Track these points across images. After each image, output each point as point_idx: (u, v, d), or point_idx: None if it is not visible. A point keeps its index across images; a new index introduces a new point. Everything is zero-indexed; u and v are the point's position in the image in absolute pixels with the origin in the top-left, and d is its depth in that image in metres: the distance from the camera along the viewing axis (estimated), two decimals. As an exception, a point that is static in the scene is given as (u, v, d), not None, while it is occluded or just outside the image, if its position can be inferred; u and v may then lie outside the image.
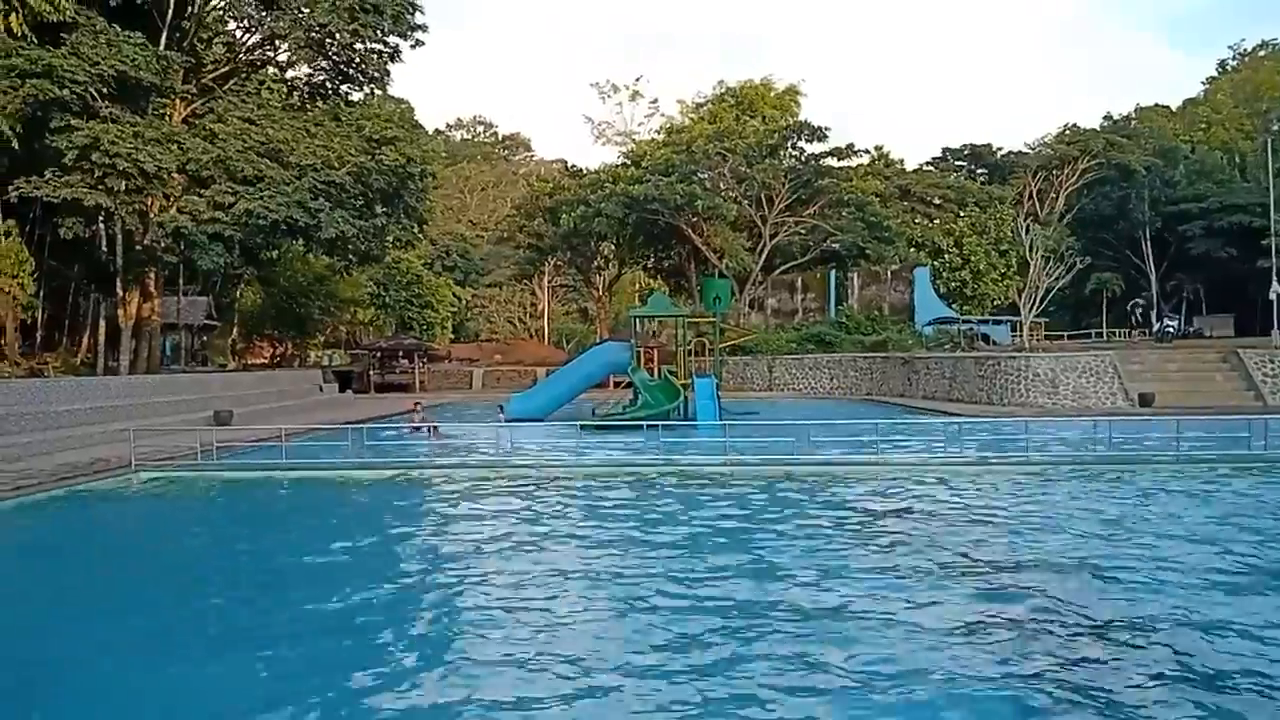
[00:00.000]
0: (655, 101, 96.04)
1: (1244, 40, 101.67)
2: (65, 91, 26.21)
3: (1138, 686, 6.68)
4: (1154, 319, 56.33)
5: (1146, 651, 7.42)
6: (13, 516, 13.96)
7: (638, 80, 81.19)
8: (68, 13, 26.88)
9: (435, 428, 24.78)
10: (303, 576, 10.53)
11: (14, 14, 26.71)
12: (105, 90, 27.39)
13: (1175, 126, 76.64)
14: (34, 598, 10.03)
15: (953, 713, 6.28)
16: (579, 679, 6.94)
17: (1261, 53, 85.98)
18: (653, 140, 66.29)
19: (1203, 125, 77.99)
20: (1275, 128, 58.06)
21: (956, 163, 79.41)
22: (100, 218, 29.94)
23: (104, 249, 31.93)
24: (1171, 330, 48.93)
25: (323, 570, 10.91)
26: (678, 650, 7.53)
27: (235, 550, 12.20)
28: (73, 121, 26.74)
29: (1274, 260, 40.64)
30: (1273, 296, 38.57)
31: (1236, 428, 19.57)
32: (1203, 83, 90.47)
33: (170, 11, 31.25)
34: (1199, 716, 6.20)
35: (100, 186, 27.14)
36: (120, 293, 31.98)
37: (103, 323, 33.64)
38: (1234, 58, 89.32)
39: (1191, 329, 54.51)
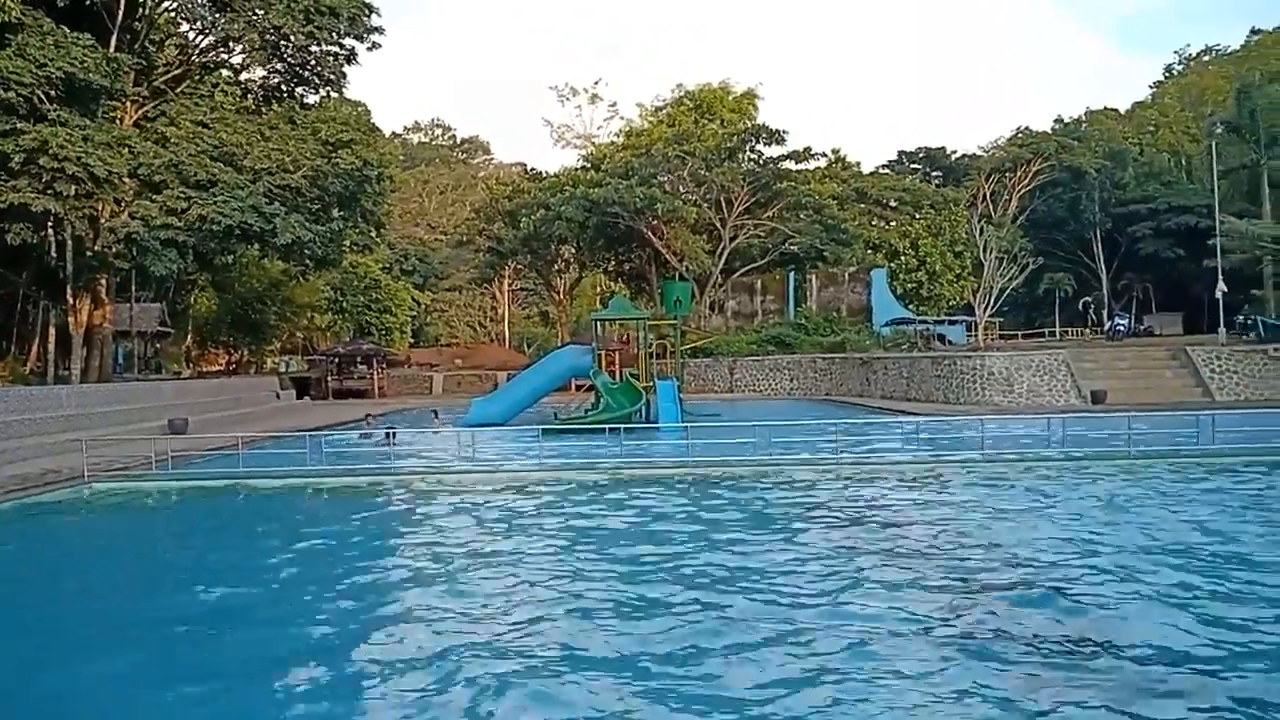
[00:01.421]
0: (614, 105, 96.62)
1: (1189, 45, 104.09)
2: (11, 94, 25.65)
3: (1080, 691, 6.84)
4: (1105, 318, 57.46)
5: (1096, 650, 7.60)
6: (-39, 530, 13.65)
7: (597, 83, 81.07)
8: (13, 13, 26.26)
9: (390, 431, 24.60)
10: (257, 588, 10.41)
11: (-42, 16, 26.09)
12: (53, 93, 26.83)
13: (1124, 129, 78.28)
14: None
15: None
16: (540, 689, 6.97)
17: (1206, 58, 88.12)
18: (612, 143, 66.40)
19: (1150, 128, 79.74)
20: (1219, 130, 59.42)
21: (912, 165, 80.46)
22: (49, 223, 29.31)
23: (53, 255, 31.28)
24: (1122, 329, 49.95)
25: (278, 581, 10.80)
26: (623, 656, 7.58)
27: (187, 564, 12.00)
28: (19, 125, 26.17)
29: (1219, 260, 41.66)
30: (1219, 295, 39.53)
31: (1185, 424, 20.05)
32: (1150, 86, 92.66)
33: (121, 12, 30.70)
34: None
35: (49, 191, 26.58)
36: (70, 300, 31.36)
37: (53, 330, 32.98)
38: (1180, 62, 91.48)
39: (1141, 327, 55.70)
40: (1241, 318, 40.99)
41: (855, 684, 6.81)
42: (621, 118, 73.83)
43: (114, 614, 9.53)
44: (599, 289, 77.54)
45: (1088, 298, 63.80)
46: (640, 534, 12.50)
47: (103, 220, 30.29)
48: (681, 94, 66.75)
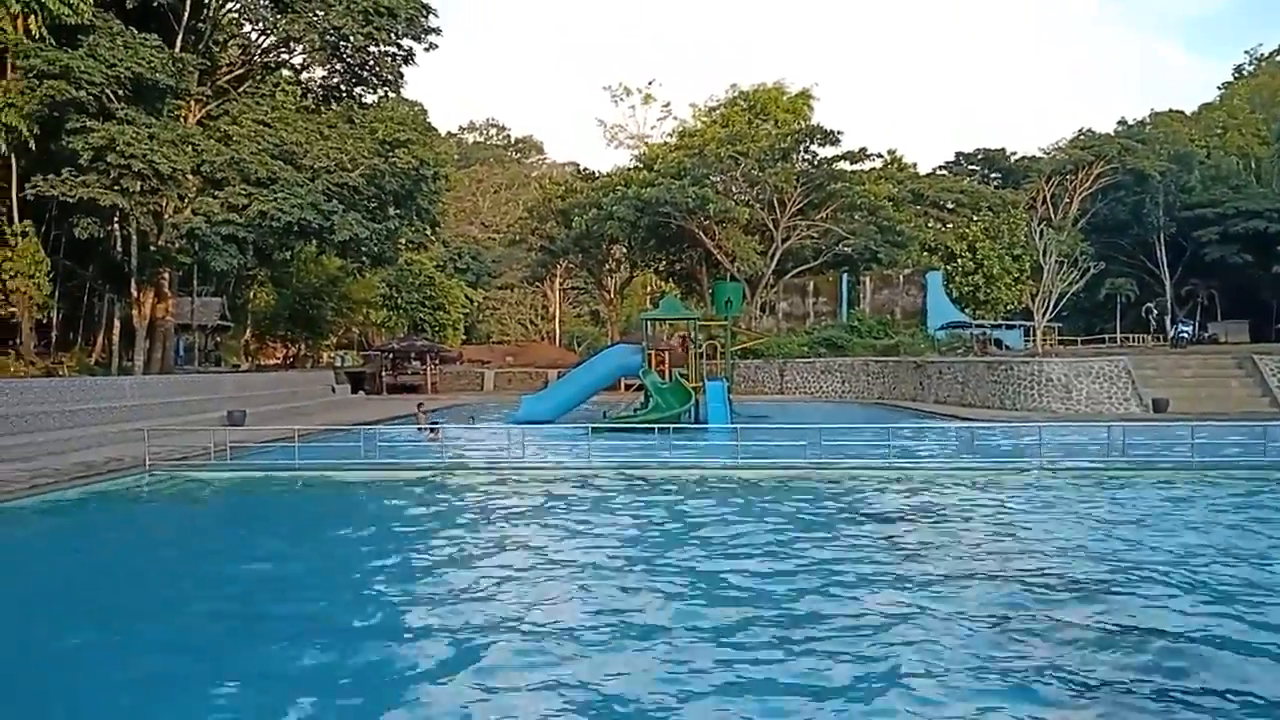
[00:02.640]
0: (668, 105, 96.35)
1: (1261, 45, 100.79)
2: (82, 93, 26.35)
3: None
4: (1168, 324, 56.01)
5: (1152, 656, 7.38)
6: (27, 515, 14.05)
7: (650, 83, 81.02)
8: (85, 15, 27.02)
9: (435, 426, 24.79)
10: (310, 580, 10.55)
11: (33, 16, 26.88)
12: (121, 92, 27.53)
13: (1190, 132, 76.22)
14: (41, 597, 10.06)
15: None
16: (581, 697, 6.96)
17: (1279, 58, 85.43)
18: (665, 143, 66.34)
19: (1218, 130, 77.53)
20: (1291, 133, 57.67)
21: (970, 167, 79.19)
22: (115, 218, 30.10)
23: (119, 249, 32.07)
24: (1186, 336, 48.56)
25: (328, 572, 10.94)
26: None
27: (245, 552, 12.21)
28: (89, 123, 26.87)
29: (1290, 266, 40.33)
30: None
31: (1252, 434, 19.43)
32: (1219, 88, 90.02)
33: (186, 14, 31.41)
34: None
35: (116, 187, 27.28)
36: (135, 293, 32.14)
37: (117, 323, 33.79)
38: (1250, 63, 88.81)
39: (1206, 335, 54.17)
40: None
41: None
42: (675, 118, 73.99)
43: (165, 599, 9.73)
44: (650, 289, 77.55)
45: (1150, 304, 62.23)
46: (682, 532, 12.45)
47: (166, 216, 31.00)
48: (735, 94, 66.49)
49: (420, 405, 30.02)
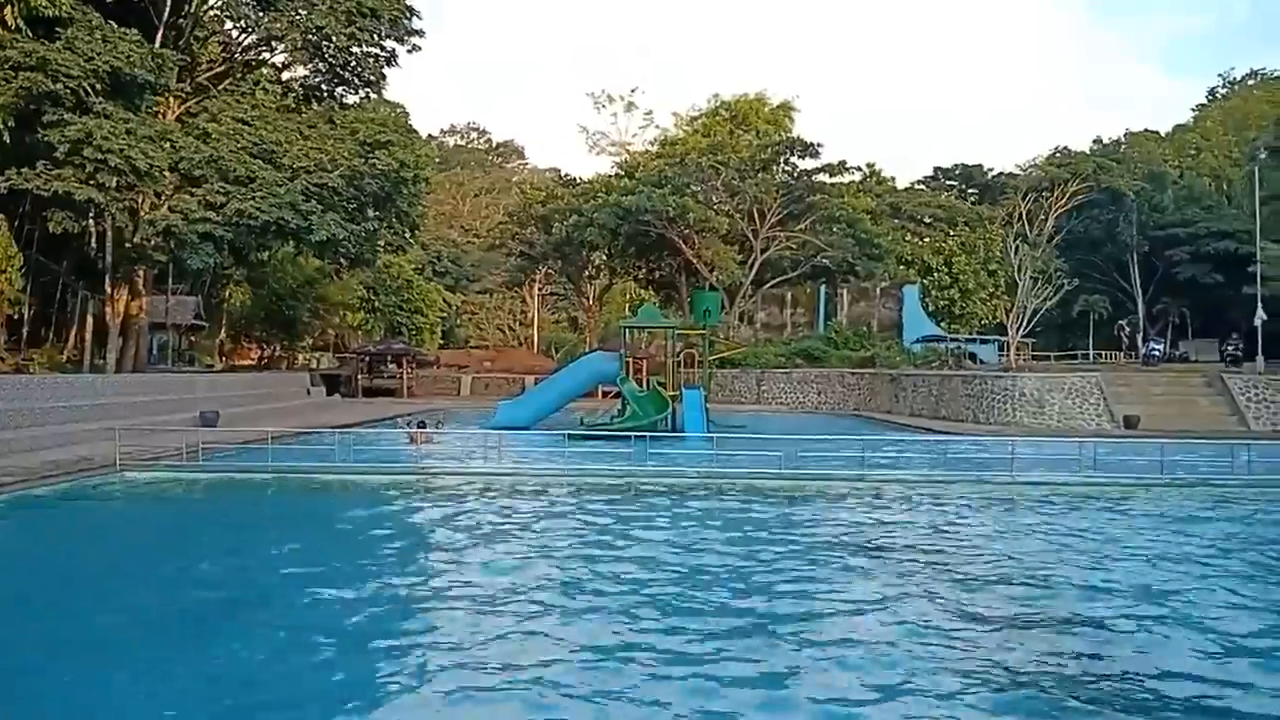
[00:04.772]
0: (650, 113, 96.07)
1: (1234, 69, 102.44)
2: (59, 86, 26.06)
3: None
4: (1140, 342, 56.65)
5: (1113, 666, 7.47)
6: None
7: (633, 91, 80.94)
8: (64, 7, 26.76)
9: (424, 424, 24.73)
10: (279, 582, 10.46)
11: (9, 7, 26.58)
12: (99, 86, 27.23)
13: (1165, 152, 77.26)
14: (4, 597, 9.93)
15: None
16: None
17: (1251, 82, 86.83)
18: (646, 151, 66.52)
19: (1192, 151, 78.64)
20: (1262, 155, 58.41)
21: (948, 182, 79.93)
22: (90, 214, 29.76)
23: (93, 245, 31.72)
24: (1157, 354, 49.10)
25: (298, 576, 10.85)
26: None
27: (214, 555, 12.08)
28: (65, 116, 26.56)
29: (1259, 287, 40.95)
30: (1257, 323, 38.83)
31: (1220, 451, 19.70)
32: (1193, 109, 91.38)
33: (167, 9, 31.17)
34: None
35: (91, 182, 26.97)
36: (108, 290, 31.80)
37: (90, 320, 33.39)
38: (1224, 86, 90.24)
39: (1177, 353, 54.83)
40: (1230, 346, 40.48)
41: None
42: (657, 126, 73.97)
43: (132, 601, 9.62)
44: (629, 296, 77.61)
45: (1123, 321, 62.92)
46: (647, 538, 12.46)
47: (142, 212, 30.70)
48: (717, 104, 66.76)
49: (420, 423, 29.95)
